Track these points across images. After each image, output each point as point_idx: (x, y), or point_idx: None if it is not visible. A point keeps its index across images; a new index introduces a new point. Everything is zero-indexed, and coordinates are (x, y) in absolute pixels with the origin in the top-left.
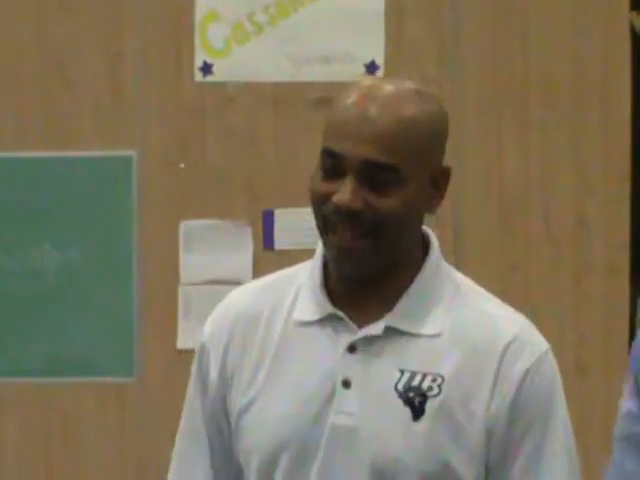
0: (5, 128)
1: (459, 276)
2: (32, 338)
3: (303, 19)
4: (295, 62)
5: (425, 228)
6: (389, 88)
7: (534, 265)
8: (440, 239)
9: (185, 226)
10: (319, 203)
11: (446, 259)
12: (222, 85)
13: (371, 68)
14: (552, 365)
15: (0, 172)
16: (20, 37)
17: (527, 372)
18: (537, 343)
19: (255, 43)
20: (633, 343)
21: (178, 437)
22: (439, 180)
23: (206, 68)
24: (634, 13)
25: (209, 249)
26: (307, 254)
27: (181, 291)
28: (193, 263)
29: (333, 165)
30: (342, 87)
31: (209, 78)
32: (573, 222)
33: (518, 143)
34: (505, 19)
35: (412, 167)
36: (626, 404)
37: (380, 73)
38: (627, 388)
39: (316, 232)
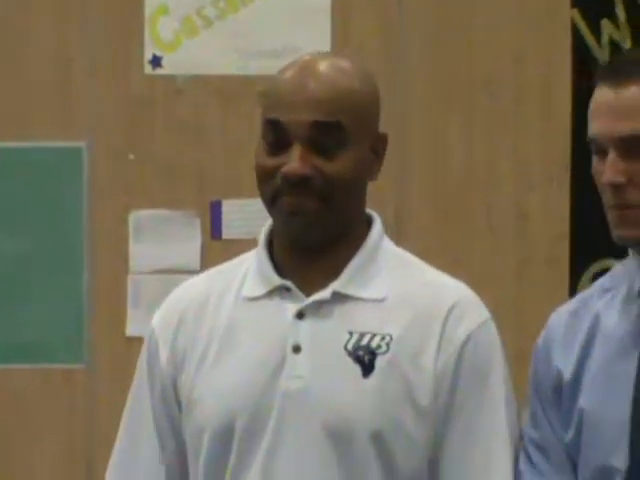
0: None
1: (402, 251)
2: None
3: (252, 14)
4: (244, 56)
5: (369, 210)
6: (326, 60)
7: (475, 256)
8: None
9: (134, 216)
10: (268, 178)
11: None
12: (171, 78)
13: None
14: (494, 333)
15: None
16: None
17: (469, 337)
18: (479, 310)
19: (204, 37)
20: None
21: (120, 434)
22: (378, 146)
23: (155, 61)
24: (575, 10)
25: (158, 239)
26: (254, 244)
27: (130, 280)
28: (142, 252)
29: (278, 137)
30: None
31: (158, 71)
32: (514, 214)
33: (462, 137)
34: (450, 16)
35: (354, 129)
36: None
37: None
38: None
39: (264, 222)
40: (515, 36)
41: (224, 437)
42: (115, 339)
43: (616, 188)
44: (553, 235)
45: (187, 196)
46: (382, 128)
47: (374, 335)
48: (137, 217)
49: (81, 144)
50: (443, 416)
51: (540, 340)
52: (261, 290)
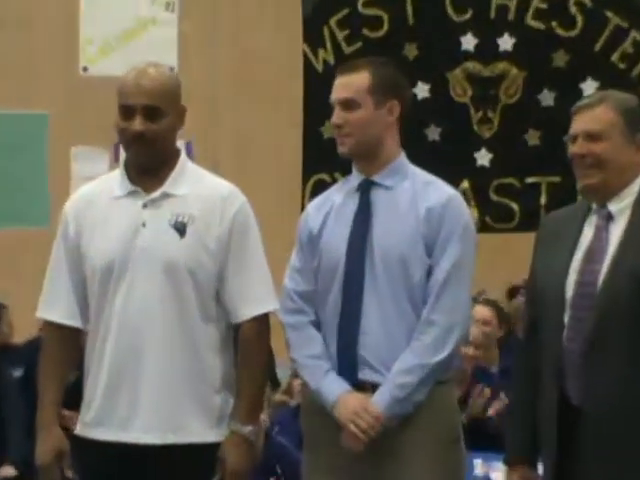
0: None
1: (198, 167)
2: None
3: None
4: None
5: (178, 145)
6: (149, 67)
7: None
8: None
9: None
10: (122, 134)
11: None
12: None
13: None
14: (249, 210)
15: None
16: None
17: (236, 213)
18: (240, 197)
19: None
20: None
21: (48, 269)
22: (182, 113)
23: None
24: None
25: None
26: None
27: None
28: None
29: (126, 112)
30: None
31: None
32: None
33: None
34: None
35: (167, 108)
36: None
37: None
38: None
39: None
40: None
41: (107, 274)
42: None
43: (337, 127)
44: None
45: None
46: None
47: (185, 215)
48: None
49: None
50: (224, 260)
51: (301, 217)
52: (122, 192)
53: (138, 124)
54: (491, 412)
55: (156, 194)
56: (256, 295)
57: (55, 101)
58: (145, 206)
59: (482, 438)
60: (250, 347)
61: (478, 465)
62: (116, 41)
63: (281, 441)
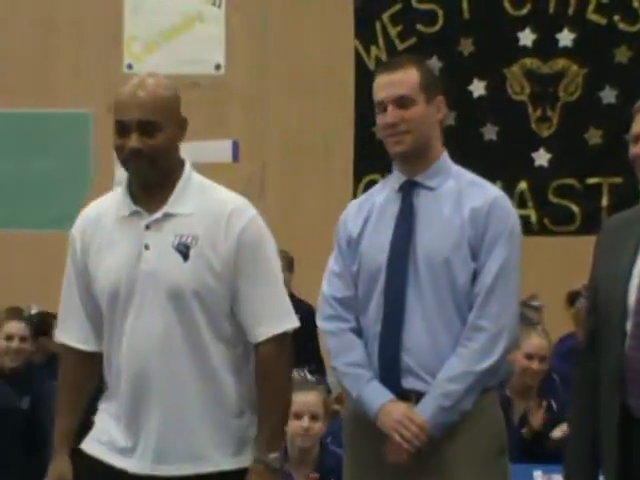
0: None
1: (205, 180)
2: None
3: None
4: None
5: (182, 156)
6: (147, 78)
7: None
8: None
9: None
10: (120, 151)
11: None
12: None
13: None
14: (260, 223)
15: None
16: None
17: (243, 228)
18: (248, 211)
19: None
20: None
21: (63, 287)
22: (182, 125)
23: None
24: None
25: None
26: None
27: None
28: None
29: (121, 128)
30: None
31: None
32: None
33: None
34: None
35: (165, 120)
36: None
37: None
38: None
39: None
40: None
41: (114, 296)
42: None
43: (392, 126)
44: None
45: None
46: None
47: (188, 236)
48: None
49: None
50: (234, 276)
51: (340, 219)
52: (125, 212)
53: (134, 140)
54: (558, 433)
55: (158, 215)
56: (272, 314)
57: (99, 99)
58: (148, 227)
59: (543, 450)
60: (268, 369)
61: (538, 477)
62: (162, 37)
63: (335, 451)
